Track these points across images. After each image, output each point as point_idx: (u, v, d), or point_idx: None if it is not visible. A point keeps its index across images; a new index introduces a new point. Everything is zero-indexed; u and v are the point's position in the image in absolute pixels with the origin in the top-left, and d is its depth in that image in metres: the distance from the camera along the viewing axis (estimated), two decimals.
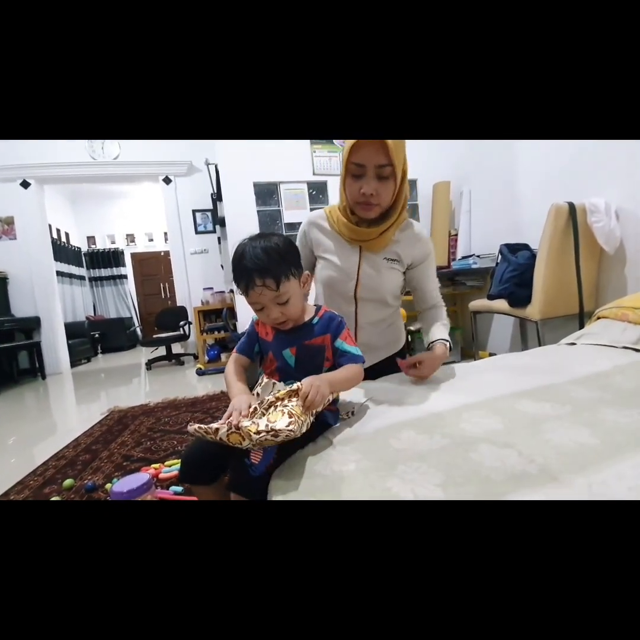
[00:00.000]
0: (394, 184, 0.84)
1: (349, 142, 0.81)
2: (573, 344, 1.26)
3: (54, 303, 3.95)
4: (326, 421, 0.71)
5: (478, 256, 2.40)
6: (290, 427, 0.51)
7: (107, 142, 3.97)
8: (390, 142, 0.79)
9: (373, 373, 1.00)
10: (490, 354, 2.51)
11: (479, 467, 0.51)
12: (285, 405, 0.57)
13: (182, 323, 4.10)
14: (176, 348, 4.19)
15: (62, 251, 5.33)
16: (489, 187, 2.46)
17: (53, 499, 1.11)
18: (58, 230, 5.38)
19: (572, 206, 1.62)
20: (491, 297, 1.97)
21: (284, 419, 0.53)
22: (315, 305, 0.78)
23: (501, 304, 1.91)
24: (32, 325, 3.73)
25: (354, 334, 1.00)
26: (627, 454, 0.51)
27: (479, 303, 2.10)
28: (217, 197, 3.20)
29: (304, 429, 0.54)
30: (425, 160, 2.79)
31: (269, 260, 0.64)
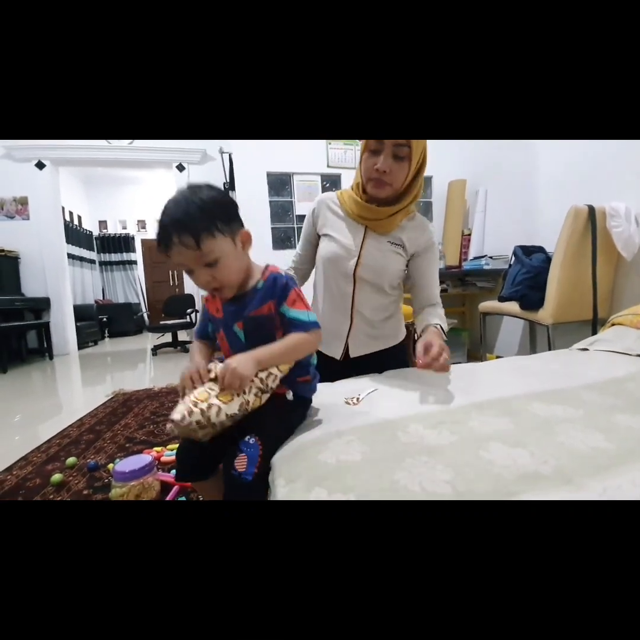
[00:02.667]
0: (408, 167, 0.84)
1: None
2: (585, 349, 1.23)
3: (64, 285, 3.99)
4: (303, 395, 0.69)
5: (491, 257, 2.36)
6: (175, 416, 0.51)
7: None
8: None
9: (369, 363, 0.98)
10: (498, 357, 2.48)
11: (489, 465, 0.50)
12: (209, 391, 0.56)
13: (188, 311, 4.13)
14: (182, 335, 4.22)
15: (74, 234, 5.37)
16: (505, 187, 2.42)
17: (55, 475, 1.12)
18: (71, 213, 5.41)
19: (591, 209, 1.58)
20: (502, 299, 1.94)
21: (180, 407, 0.52)
22: (266, 265, 0.68)
23: (512, 306, 1.88)
24: (42, 305, 3.77)
25: (349, 316, 0.97)
26: None
27: (489, 305, 2.07)
28: (229, 186, 3.19)
29: (213, 413, 0.52)
30: (441, 157, 2.75)
31: (186, 214, 0.56)
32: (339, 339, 0.99)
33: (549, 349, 1.69)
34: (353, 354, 0.99)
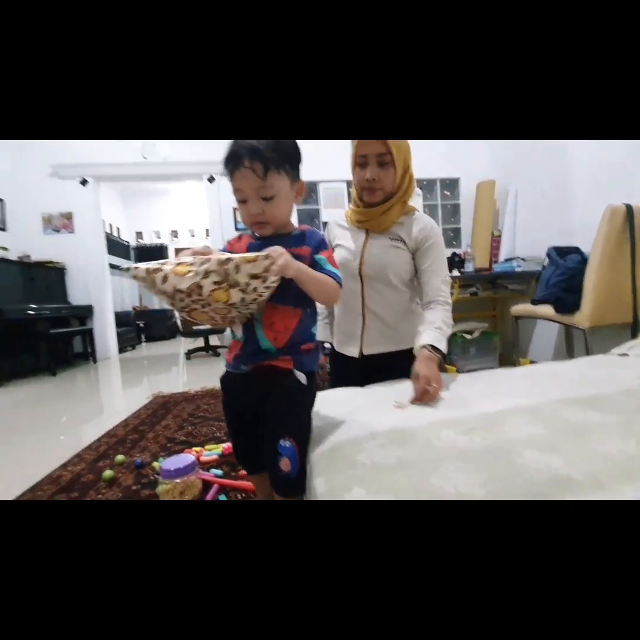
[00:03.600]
0: (394, 171, 0.95)
1: (355, 141, 0.95)
2: (625, 354, 1.19)
3: (105, 293, 4.26)
4: (310, 370, 0.69)
5: (522, 259, 2.31)
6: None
7: (158, 142, 4.20)
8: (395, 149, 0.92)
9: (389, 363, 1.02)
10: (532, 362, 2.40)
11: (522, 469, 0.51)
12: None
13: None
14: (213, 340, 4.38)
15: (114, 245, 5.71)
16: (537, 187, 2.35)
17: (107, 471, 1.21)
18: (111, 225, 5.77)
19: (629, 208, 1.52)
20: (536, 302, 1.89)
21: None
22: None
23: (546, 309, 1.82)
24: (86, 313, 4.04)
25: (361, 314, 1.03)
26: None
27: (522, 308, 2.02)
28: None
29: (158, 277, 0.53)
30: (469, 158, 2.72)
31: (264, 145, 0.60)
32: (354, 337, 1.05)
33: (587, 354, 1.63)
34: (366, 351, 1.04)
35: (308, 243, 0.67)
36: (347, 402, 0.83)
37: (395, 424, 0.68)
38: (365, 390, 0.91)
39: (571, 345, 2.11)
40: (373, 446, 0.60)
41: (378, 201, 0.99)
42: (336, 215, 1.14)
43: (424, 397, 0.76)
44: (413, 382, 0.81)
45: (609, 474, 0.49)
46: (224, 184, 4.28)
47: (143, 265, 0.55)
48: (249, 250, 0.66)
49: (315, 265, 0.66)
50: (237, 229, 4.32)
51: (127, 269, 0.56)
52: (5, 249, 3.39)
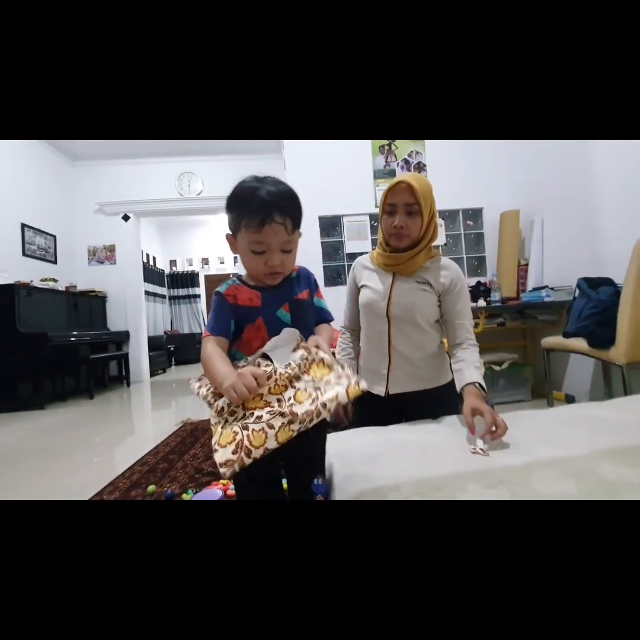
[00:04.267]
0: (421, 220, 1.00)
1: (386, 188, 1.01)
2: None
3: (141, 319, 4.51)
4: None
5: (551, 288, 2.25)
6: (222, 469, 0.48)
7: (193, 180, 4.53)
8: (416, 186, 0.97)
9: (415, 402, 1.05)
10: (566, 395, 2.29)
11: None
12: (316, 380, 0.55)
13: None
14: None
15: (150, 273, 6.08)
16: (564, 216, 2.32)
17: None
18: (147, 255, 6.16)
19: None
20: (567, 335, 1.83)
21: (330, 390, 0.52)
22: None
23: (579, 343, 1.76)
24: (122, 338, 4.28)
25: (387, 354, 1.05)
26: None
27: (554, 340, 1.96)
28: None
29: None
30: (491, 188, 2.74)
31: (292, 201, 0.63)
32: (380, 377, 1.07)
33: (625, 392, 1.55)
34: (392, 391, 1.06)
35: (306, 286, 0.73)
36: (374, 446, 0.84)
37: (420, 474, 0.67)
38: (391, 432, 0.92)
39: (609, 380, 2.00)
40: (396, 497, 0.61)
41: (404, 246, 1.03)
42: (362, 258, 1.19)
43: (498, 430, 0.79)
44: (471, 417, 0.84)
45: None
46: None
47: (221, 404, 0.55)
48: (263, 299, 0.68)
49: (313, 305, 0.73)
50: None
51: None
52: (54, 280, 3.70)
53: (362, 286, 1.13)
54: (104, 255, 4.49)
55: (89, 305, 4.08)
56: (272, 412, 0.53)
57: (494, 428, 0.80)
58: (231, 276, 0.76)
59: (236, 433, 0.52)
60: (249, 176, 0.67)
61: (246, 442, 0.51)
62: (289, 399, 0.55)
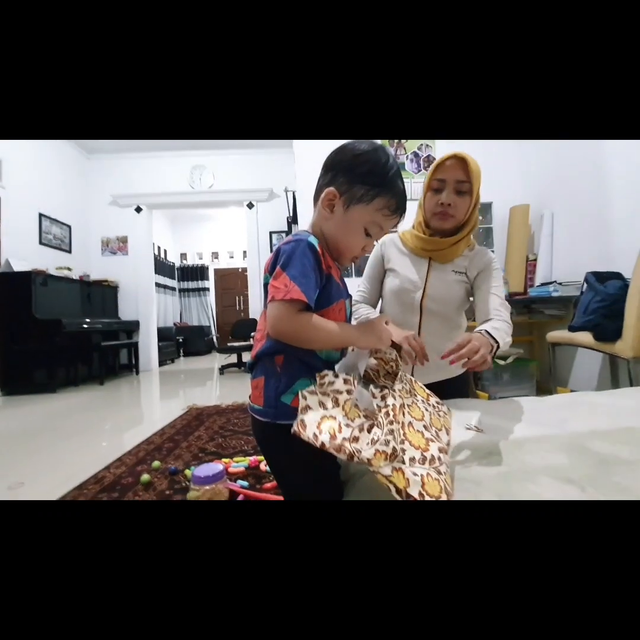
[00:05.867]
0: (469, 201, 0.92)
1: (434, 163, 0.93)
2: None
3: (151, 310, 4.59)
4: None
5: (560, 283, 2.23)
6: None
7: (204, 173, 4.58)
8: (471, 161, 0.89)
9: (434, 390, 0.99)
10: (572, 391, 2.26)
11: (535, 497, 0.52)
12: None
13: (252, 334, 4.44)
14: (246, 356, 4.53)
15: (161, 265, 6.18)
16: (574, 211, 2.29)
17: (144, 476, 1.31)
18: (159, 248, 6.26)
19: None
20: (573, 329, 1.82)
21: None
22: None
23: (585, 336, 1.74)
24: (133, 327, 4.37)
25: None
26: None
27: (559, 334, 1.94)
28: (292, 220, 3.48)
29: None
30: (501, 183, 2.72)
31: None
32: (406, 369, 1.04)
33: (631, 385, 1.53)
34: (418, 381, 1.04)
35: None
36: None
37: None
38: None
39: (616, 376, 1.97)
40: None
41: (448, 228, 0.95)
42: (391, 237, 1.08)
43: (470, 362, 0.65)
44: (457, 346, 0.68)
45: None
46: (262, 210, 4.55)
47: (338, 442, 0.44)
48: (342, 281, 0.63)
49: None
50: (271, 251, 4.54)
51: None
52: (69, 269, 3.79)
53: (389, 269, 1.04)
54: (117, 246, 4.58)
55: (101, 294, 4.18)
56: (441, 449, 0.50)
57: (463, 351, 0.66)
58: (302, 232, 0.61)
59: (438, 480, 0.46)
60: (376, 145, 0.58)
61: (449, 488, 0.47)
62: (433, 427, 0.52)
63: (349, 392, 0.51)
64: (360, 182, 0.56)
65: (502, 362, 2.27)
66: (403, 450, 0.46)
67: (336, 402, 0.50)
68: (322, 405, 0.49)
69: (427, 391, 0.61)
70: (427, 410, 0.56)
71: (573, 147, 2.27)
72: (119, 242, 4.58)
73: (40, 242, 3.69)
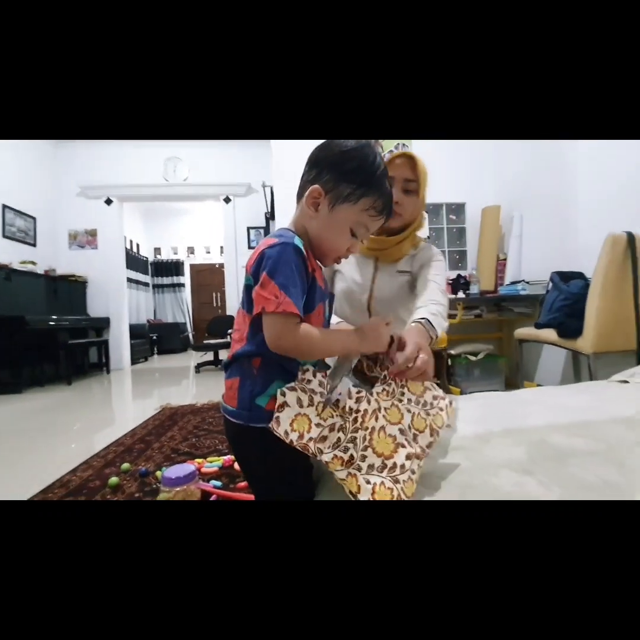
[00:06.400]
0: (416, 201, 0.93)
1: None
2: (625, 381, 1.19)
3: (122, 306, 4.43)
4: None
5: (527, 282, 2.32)
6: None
7: (179, 165, 4.45)
8: (419, 161, 0.90)
9: None
10: (538, 385, 2.37)
11: (494, 491, 0.54)
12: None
13: (229, 331, 4.37)
14: (223, 354, 4.46)
15: (133, 260, 5.96)
16: (542, 212, 2.39)
17: (112, 478, 1.26)
18: (131, 242, 6.04)
19: (631, 236, 1.54)
20: (539, 326, 1.90)
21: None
22: None
23: (550, 333, 1.83)
24: (103, 324, 4.20)
25: None
26: None
27: (526, 331, 2.03)
28: (270, 216, 3.44)
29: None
30: (475, 184, 2.79)
31: None
32: None
33: (591, 379, 1.62)
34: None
35: None
36: None
37: None
38: None
39: (578, 370, 2.08)
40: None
41: (394, 227, 0.95)
42: None
43: (408, 372, 0.58)
44: (397, 349, 0.60)
45: (578, 498, 0.51)
46: (240, 205, 4.47)
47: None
48: (325, 282, 0.62)
49: None
50: (250, 247, 4.47)
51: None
52: (33, 263, 3.60)
53: (336, 271, 1.05)
54: (86, 239, 4.38)
55: (68, 290, 3.98)
56: (409, 455, 0.50)
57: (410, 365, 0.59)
58: (281, 229, 0.59)
59: (391, 489, 0.47)
60: (364, 142, 0.57)
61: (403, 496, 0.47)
62: (410, 428, 0.53)
63: (322, 394, 0.53)
64: (347, 180, 0.55)
65: (473, 358, 2.34)
66: (364, 457, 0.49)
67: (311, 401, 0.51)
68: (299, 401, 0.50)
69: (426, 385, 0.59)
70: (409, 411, 0.55)
71: (542, 152, 2.37)
72: (88, 236, 4.38)
73: (4, 235, 3.48)
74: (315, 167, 0.57)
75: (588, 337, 1.63)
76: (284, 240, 0.52)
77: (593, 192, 2.04)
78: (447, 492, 0.53)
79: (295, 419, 0.49)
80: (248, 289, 0.55)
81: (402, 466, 0.49)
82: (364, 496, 0.45)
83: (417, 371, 0.59)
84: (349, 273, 1.01)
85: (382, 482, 0.47)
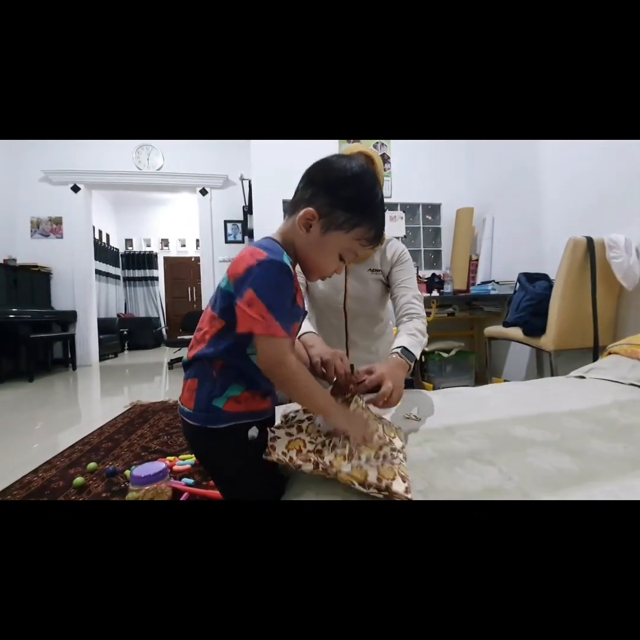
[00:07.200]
0: None
1: None
2: (582, 377, 1.27)
3: (90, 299, 4.23)
4: None
5: (497, 282, 2.42)
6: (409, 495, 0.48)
7: (152, 153, 4.28)
8: (376, 159, 0.91)
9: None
10: (505, 381, 2.49)
11: (459, 479, 0.57)
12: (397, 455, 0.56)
13: None
14: None
15: (102, 251, 5.70)
16: (512, 215, 2.50)
17: (77, 479, 1.21)
18: (100, 232, 5.76)
19: (590, 241, 1.64)
20: (507, 325, 1.99)
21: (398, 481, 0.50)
22: None
23: (516, 331, 1.92)
24: (68, 318, 4.00)
25: (345, 347, 1.04)
26: (600, 481, 0.55)
27: (495, 329, 2.12)
28: (248, 210, 3.39)
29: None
30: (450, 186, 2.87)
31: None
32: None
33: (552, 374, 1.72)
34: None
35: None
36: None
37: None
38: None
39: (541, 366, 2.20)
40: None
41: None
42: None
43: (381, 402, 0.69)
44: (372, 379, 0.72)
45: (536, 485, 0.55)
46: (217, 197, 4.37)
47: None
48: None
49: None
50: (227, 241, 4.39)
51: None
52: None
53: None
54: (50, 228, 4.14)
55: (30, 281, 3.76)
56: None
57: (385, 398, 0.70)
58: (267, 238, 0.59)
59: (392, 465, 0.54)
60: (365, 168, 0.57)
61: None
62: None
63: (309, 418, 0.60)
64: (343, 208, 0.54)
65: (445, 355, 2.42)
66: (360, 451, 0.54)
67: (300, 429, 0.57)
68: (288, 434, 0.56)
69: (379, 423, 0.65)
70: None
71: (512, 156, 2.46)
72: (52, 224, 4.14)
73: None
74: (312, 186, 0.56)
75: (550, 335, 1.73)
76: (271, 257, 0.51)
77: (559, 199, 2.15)
78: (416, 484, 0.55)
79: (289, 444, 0.54)
80: (227, 295, 0.53)
81: (392, 455, 0.56)
82: (372, 477, 0.49)
83: (388, 406, 0.70)
84: None
85: (382, 464, 0.53)
